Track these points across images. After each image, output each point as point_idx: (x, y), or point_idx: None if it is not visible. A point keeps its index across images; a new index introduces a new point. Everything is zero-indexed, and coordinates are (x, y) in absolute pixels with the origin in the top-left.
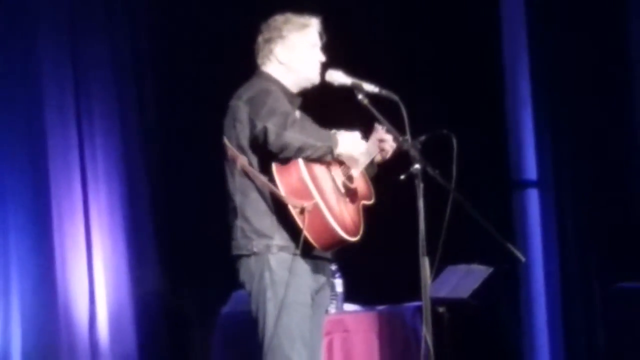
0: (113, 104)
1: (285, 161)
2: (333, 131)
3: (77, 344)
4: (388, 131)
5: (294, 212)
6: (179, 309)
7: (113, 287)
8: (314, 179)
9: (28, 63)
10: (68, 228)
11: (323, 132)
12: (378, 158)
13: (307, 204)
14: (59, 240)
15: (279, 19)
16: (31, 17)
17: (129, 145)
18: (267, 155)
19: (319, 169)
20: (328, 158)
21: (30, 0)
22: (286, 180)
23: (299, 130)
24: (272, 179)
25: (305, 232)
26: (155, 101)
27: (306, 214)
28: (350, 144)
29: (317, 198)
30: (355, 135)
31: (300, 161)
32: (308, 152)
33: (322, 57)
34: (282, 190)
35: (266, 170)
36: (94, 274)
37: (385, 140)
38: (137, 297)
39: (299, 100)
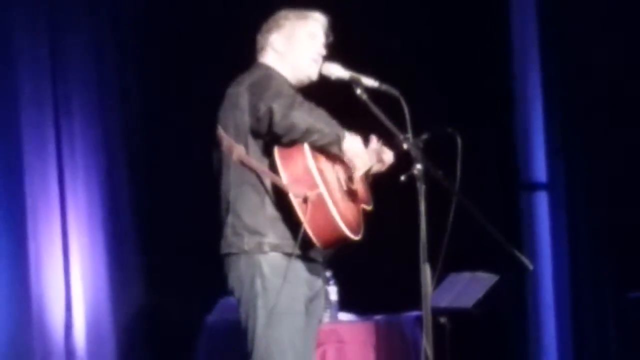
0: (93, 98)
1: (289, 147)
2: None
3: (51, 354)
4: (389, 136)
5: (296, 202)
6: (162, 317)
7: (91, 293)
8: (319, 169)
9: (3, 53)
10: (44, 229)
11: (332, 120)
12: (375, 168)
13: (310, 193)
14: (33, 243)
15: (280, 13)
16: (7, 3)
17: (110, 143)
18: (269, 143)
19: (324, 161)
20: (334, 149)
21: None
22: (290, 168)
23: (307, 112)
24: (273, 167)
25: (306, 225)
26: (139, 95)
27: (309, 204)
28: (356, 145)
29: (322, 188)
30: (359, 141)
31: (306, 149)
32: (315, 137)
33: (322, 51)
34: (285, 178)
35: (266, 160)
36: (71, 279)
37: (384, 152)
38: (116, 304)
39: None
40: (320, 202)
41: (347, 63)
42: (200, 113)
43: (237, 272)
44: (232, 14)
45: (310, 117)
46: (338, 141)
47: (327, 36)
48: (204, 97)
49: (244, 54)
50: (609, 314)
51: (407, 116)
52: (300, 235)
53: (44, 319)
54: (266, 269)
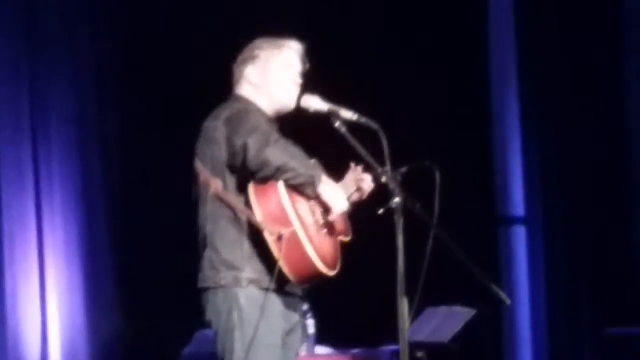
0: (71, 130)
1: (264, 184)
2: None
3: None
4: (366, 168)
5: (270, 240)
6: (139, 350)
7: (67, 326)
8: (294, 205)
9: None
10: (20, 260)
11: (308, 161)
12: (355, 197)
13: (284, 231)
14: (10, 273)
15: (255, 43)
16: None
17: (88, 173)
18: (244, 178)
19: (298, 197)
20: (308, 190)
21: None
22: (264, 205)
23: (281, 150)
24: (248, 203)
25: (281, 262)
26: (117, 127)
27: (283, 242)
28: (332, 189)
29: (296, 226)
30: (339, 190)
31: (280, 186)
32: (288, 175)
33: (298, 80)
34: (259, 215)
35: (242, 195)
36: (47, 310)
37: (363, 180)
38: (93, 336)
39: (275, 126)
40: (294, 240)
41: (323, 94)
42: (179, 147)
43: (214, 305)
44: (212, 49)
45: (284, 155)
46: (312, 182)
47: (303, 64)
48: (184, 131)
49: (225, 88)
50: (585, 349)
51: (386, 149)
52: (276, 272)
53: (19, 350)
54: (243, 302)
